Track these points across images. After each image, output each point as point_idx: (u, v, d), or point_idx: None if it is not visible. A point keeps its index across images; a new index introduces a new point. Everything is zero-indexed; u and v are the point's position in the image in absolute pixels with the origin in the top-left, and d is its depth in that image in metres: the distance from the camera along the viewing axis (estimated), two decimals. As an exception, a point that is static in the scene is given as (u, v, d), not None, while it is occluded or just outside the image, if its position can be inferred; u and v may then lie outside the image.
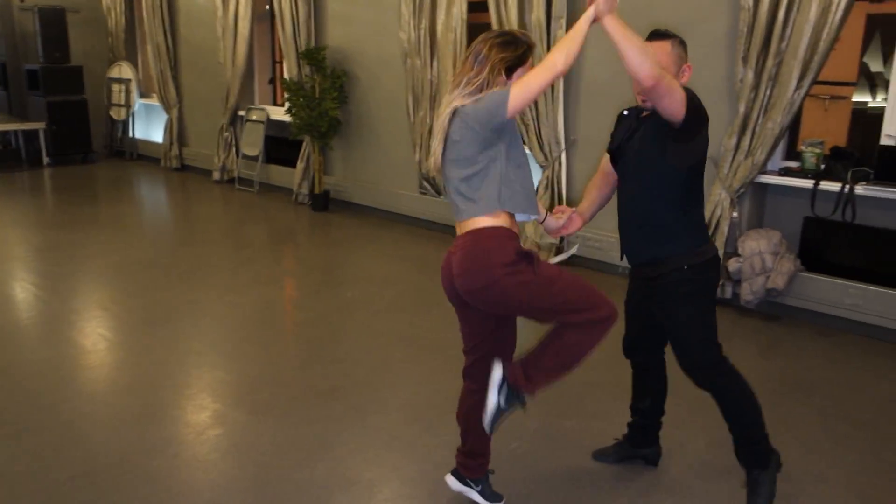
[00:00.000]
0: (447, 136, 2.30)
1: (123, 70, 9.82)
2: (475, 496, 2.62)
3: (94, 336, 4.16)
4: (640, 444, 2.93)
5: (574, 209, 2.75)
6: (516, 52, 2.28)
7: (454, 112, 2.28)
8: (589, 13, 2.19)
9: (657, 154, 2.43)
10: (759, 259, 4.38)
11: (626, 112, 2.69)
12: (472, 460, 2.61)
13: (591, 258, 5.36)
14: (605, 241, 5.20)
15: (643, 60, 2.15)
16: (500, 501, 2.63)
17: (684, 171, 2.45)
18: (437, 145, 2.34)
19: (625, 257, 2.67)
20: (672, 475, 2.88)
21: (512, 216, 2.33)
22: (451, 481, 2.64)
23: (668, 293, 2.52)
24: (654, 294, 2.58)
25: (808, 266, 4.48)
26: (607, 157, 2.71)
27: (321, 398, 3.45)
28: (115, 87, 9.93)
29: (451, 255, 2.35)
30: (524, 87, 2.17)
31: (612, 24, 2.15)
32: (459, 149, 2.27)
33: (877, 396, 3.57)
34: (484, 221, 2.28)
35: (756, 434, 2.58)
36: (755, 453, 2.60)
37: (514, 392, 2.33)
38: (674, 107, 2.28)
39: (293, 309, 4.84)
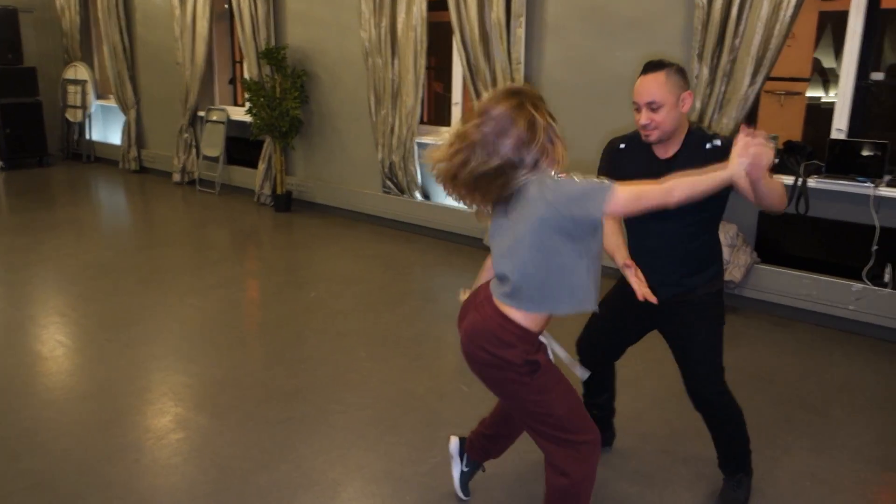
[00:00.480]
0: (508, 209, 2.03)
1: (79, 71, 9.63)
2: (455, 471, 2.66)
3: (52, 343, 4.08)
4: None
5: (626, 264, 2.46)
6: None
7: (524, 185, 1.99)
8: (735, 172, 1.98)
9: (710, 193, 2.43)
10: (717, 252, 4.46)
11: (622, 146, 2.55)
12: (480, 444, 2.62)
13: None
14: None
15: (783, 194, 2.27)
16: (465, 496, 2.65)
17: (724, 202, 2.48)
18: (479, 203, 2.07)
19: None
20: (634, 466, 2.92)
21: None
22: (454, 442, 2.67)
23: (699, 314, 2.50)
24: (672, 313, 2.51)
25: (764, 258, 4.57)
26: None
27: (284, 399, 3.44)
28: (71, 88, 9.74)
29: (473, 305, 2.19)
30: (637, 196, 1.93)
31: (763, 178, 2.12)
32: (528, 229, 2.00)
33: (829, 383, 3.67)
34: (514, 312, 2.08)
35: (745, 448, 2.66)
36: (741, 462, 2.67)
37: None
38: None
39: (256, 310, 4.80)
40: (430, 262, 5.74)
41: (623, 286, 2.59)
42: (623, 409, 3.35)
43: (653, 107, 2.34)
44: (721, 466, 2.71)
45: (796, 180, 4.31)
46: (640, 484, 2.80)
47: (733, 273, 4.41)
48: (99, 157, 9.84)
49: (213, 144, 8.06)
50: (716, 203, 2.44)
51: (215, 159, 8.04)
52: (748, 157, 1.95)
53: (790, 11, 4.12)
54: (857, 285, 4.15)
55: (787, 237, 4.58)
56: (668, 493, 2.75)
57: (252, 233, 6.76)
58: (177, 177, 8.50)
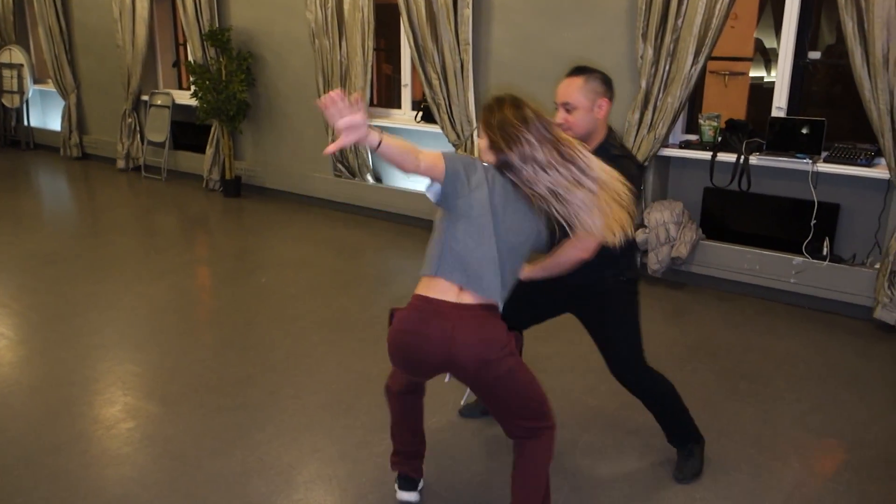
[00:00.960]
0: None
1: (14, 55, 9.28)
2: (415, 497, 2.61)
3: (-7, 335, 3.97)
4: None
5: None
6: None
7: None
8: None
9: None
10: (664, 229, 4.56)
11: None
12: (417, 462, 2.60)
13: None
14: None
15: (572, 259, 2.40)
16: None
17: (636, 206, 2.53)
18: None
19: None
20: (587, 439, 2.98)
21: None
22: (412, 496, 2.57)
23: (609, 301, 2.60)
24: (584, 300, 2.62)
25: (708, 234, 4.68)
26: None
27: (236, 386, 3.41)
28: (6, 72, 9.38)
29: (448, 321, 2.08)
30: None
31: (538, 271, 2.49)
32: (532, 231, 2.21)
33: (772, 354, 3.79)
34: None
35: (684, 418, 2.75)
36: (686, 433, 2.77)
37: None
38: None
39: (206, 297, 4.73)
40: (382, 245, 5.73)
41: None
42: (574, 385, 3.42)
43: (567, 108, 2.48)
44: (670, 441, 2.79)
45: (738, 158, 4.42)
46: (592, 456, 2.87)
47: (679, 249, 4.51)
48: (39, 143, 9.53)
49: (158, 129, 7.87)
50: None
51: (161, 144, 7.86)
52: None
53: (730, -9, 4.20)
54: (798, 259, 4.29)
55: (730, 214, 4.70)
56: (619, 464, 2.82)
57: (201, 219, 6.64)
58: (121, 163, 8.28)
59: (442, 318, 2.09)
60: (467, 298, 2.12)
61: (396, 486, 2.58)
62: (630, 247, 2.60)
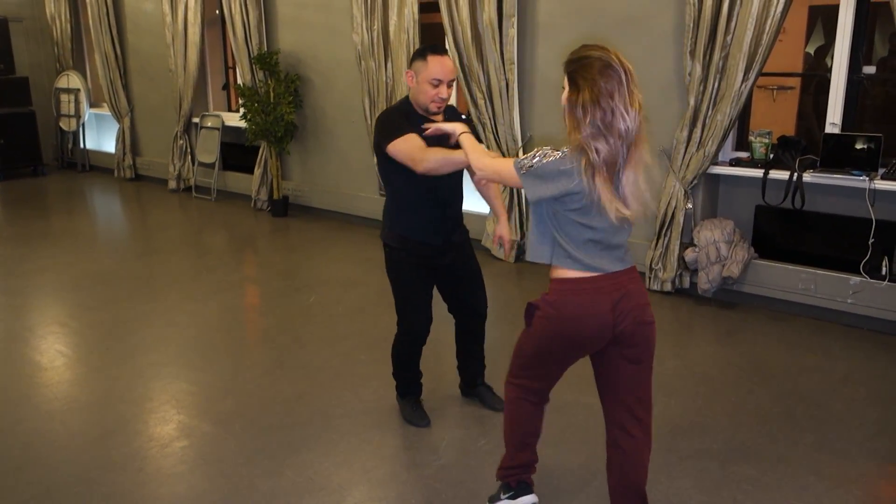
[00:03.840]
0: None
1: (71, 80, 9.60)
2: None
3: (51, 353, 4.07)
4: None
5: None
6: None
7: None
8: None
9: None
10: (714, 248, 4.48)
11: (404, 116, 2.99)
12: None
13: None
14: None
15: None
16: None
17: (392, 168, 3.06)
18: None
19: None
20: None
21: None
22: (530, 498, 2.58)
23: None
24: None
25: (761, 253, 4.59)
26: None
27: (287, 404, 3.44)
28: (64, 97, 9.71)
29: (626, 289, 2.21)
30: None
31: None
32: None
33: (830, 376, 3.68)
34: None
35: (398, 375, 3.32)
36: (397, 386, 3.35)
37: None
38: None
39: (255, 316, 4.80)
40: (428, 263, 5.74)
41: None
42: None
43: (451, 83, 2.77)
44: None
45: (791, 175, 4.33)
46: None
47: (731, 269, 4.43)
48: (94, 165, 9.82)
49: (208, 151, 8.05)
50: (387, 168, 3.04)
51: (211, 165, 8.03)
52: None
53: (780, 7, 4.14)
54: (855, 279, 4.17)
55: (783, 232, 4.60)
56: (672, 491, 2.76)
57: (249, 238, 6.76)
58: (172, 184, 8.48)
59: (625, 286, 2.26)
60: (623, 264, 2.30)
61: (508, 496, 2.56)
62: (393, 210, 3.09)
